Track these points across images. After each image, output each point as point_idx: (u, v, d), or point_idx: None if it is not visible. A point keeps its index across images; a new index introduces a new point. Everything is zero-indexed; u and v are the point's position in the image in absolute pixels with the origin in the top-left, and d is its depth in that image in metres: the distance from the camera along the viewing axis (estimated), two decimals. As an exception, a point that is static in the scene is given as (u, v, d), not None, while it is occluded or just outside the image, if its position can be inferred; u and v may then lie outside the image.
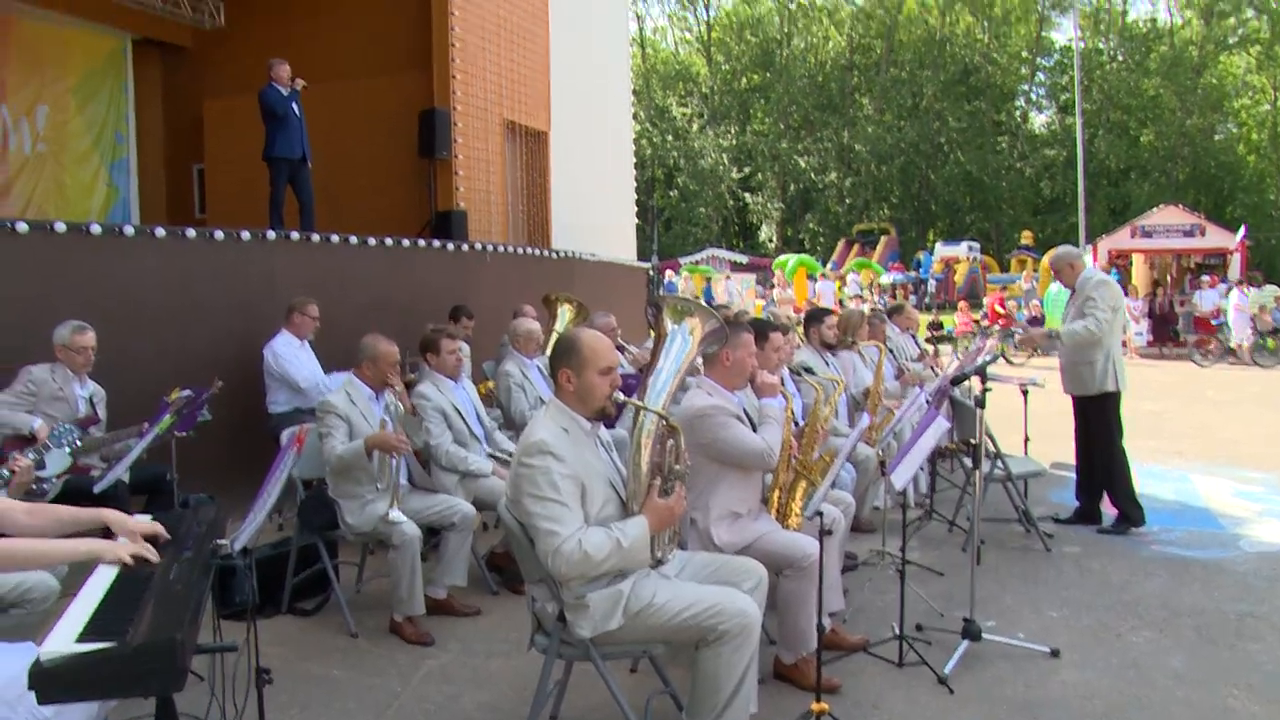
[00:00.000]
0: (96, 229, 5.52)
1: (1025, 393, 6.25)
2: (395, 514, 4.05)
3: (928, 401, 4.58)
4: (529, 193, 10.98)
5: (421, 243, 8.37)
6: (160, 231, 5.90)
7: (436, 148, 9.28)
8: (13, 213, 10.17)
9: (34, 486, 4.01)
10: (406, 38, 9.88)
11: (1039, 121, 45.64)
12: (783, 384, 3.87)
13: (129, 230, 5.74)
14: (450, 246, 8.69)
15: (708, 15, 48.92)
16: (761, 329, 4.04)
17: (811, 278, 28.20)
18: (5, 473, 3.32)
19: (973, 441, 3.99)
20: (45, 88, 10.52)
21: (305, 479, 4.59)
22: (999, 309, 19.06)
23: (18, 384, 4.53)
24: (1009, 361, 15.59)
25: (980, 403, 3.86)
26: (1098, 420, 5.58)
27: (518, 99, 10.50)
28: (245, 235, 6.49)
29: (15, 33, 10.21)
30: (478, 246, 9.06)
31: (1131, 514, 5.62)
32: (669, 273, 30.35)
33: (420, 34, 9.67)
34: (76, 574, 2.41)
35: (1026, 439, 6.48)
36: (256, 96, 7.80)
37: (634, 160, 14.40)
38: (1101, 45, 42.93)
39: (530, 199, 11.00)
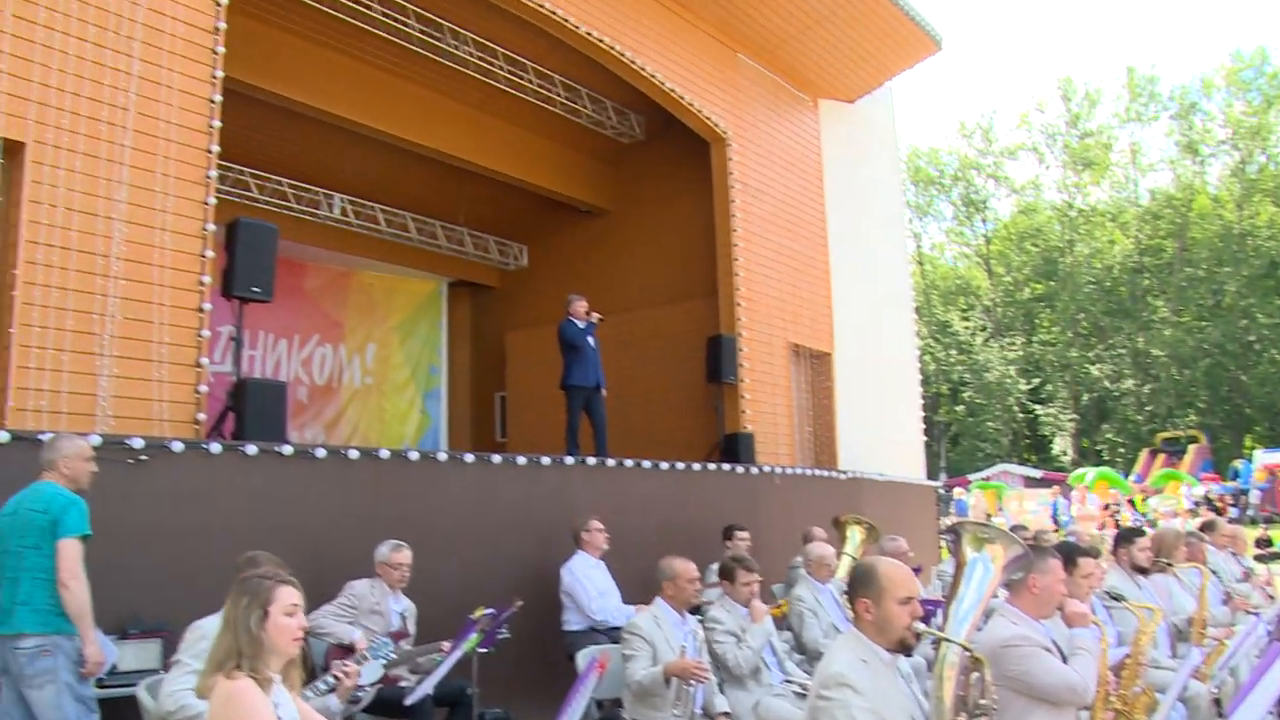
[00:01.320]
0: (414, 455, 6.12)
1: None
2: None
3: (1268, 632, 3.89)
4: (815, 413, 10.94)
5: (711, 466, 8.48)
6: (469, 457, 6.42)
7: (724, 373, 9.49)
8: (342, 439, 11.73)
9: (352, 694, 4.31)
10: (694, 269, 10.54)
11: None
12: (1093, 612, 3.59)
13: (441, 456, 6.30)
14: (739, 469, 8.73)
15: (985, 229, 48.60)
16: (1070, 553, 3.84)
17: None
18: (333, 679, 3.62)
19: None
20: (375, 328, 12.36)
21: (600, 699, 4.58)
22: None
23: (342, 597, 4.92)
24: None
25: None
26: None
27: (801, 322, 10.69)
28: (544, 460, 6.88)
29: (354, 283, 12.28)
30: (766, 469, 9.05)
31: None
32: (959, 490, 28.74)
33: (706, 265, 10.26)
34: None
35: None
36: (556, 329, 8.46)
37: (919, 377, 14.09)
38: None
39: (816, 420, 10.94)
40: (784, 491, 9.12)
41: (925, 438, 14.02)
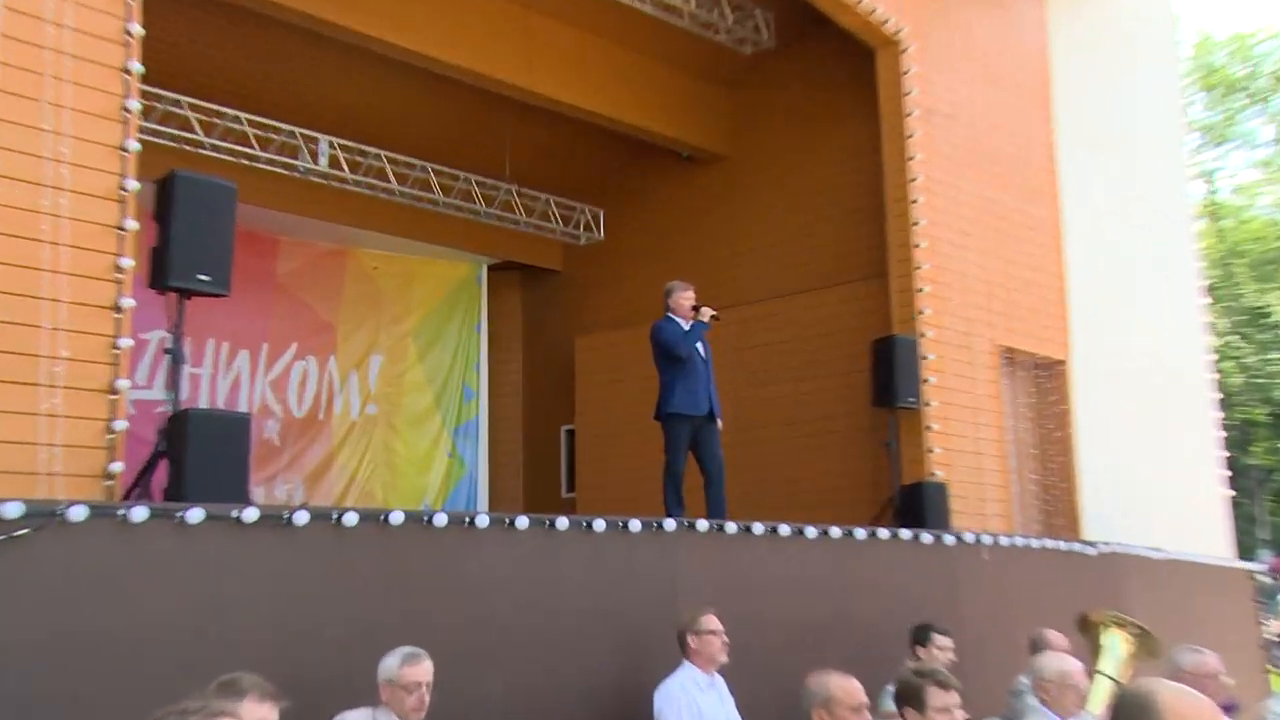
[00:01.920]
0: (441, 519, 6.01)
1: None
2: None
3: None
4: (1042, 452, 10.80)
5: (882, 533, 8.32)
6: (521, 522, 6.31)
7: (899, 392, 9.40)
8: (334, 497, 11.84)
9: None
10: (852, 239, 10.54)
11: None
12: None
13: (481, 521, 6.18)
14: (925, 538, 8.56)
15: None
16: None
17: None
18: None
19: None
20: (381, 331, 12.58)
21: None
22: None
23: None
24: None
25: None
26: None
27: (1018, 315, 10.59)
28: (634, 525, 6.76)
29: (351, 267, 12.49)
30: (967, 538, 8.84)
31: None
32: (1293, 576, 27.71)
33: (870, 233, 10.24)
34: None
35: None
36: (648, 332, 8.44)
37: (1215, 395, 13.59)
38: None
39: (1045, 462, 10.80)
40: (996, 573, 8.90)
41: (1229, 491, 13.51)
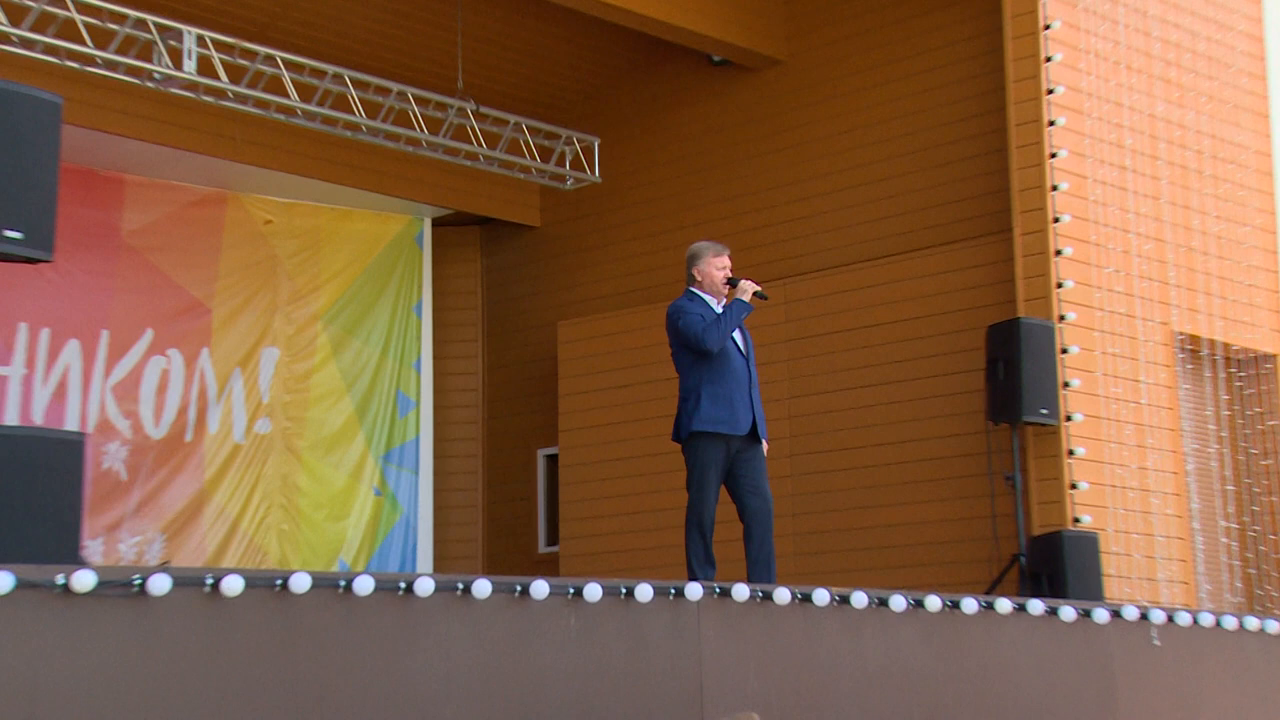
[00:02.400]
0: (364, 586, 5.96)
1: None
2: None
3: None
4: (1243, 488, 10.80)
5: (1002, 605, 8.24)
6: (482, 588, 6.20)
7: (1026, 402, 9.42)
8: (208, 548, 11.84)
9: None
10: (957, 181, 10.57)
11: None
12: None
13: (424, 587, 6.15)
14: (1064, 612, 8.50)
15: None
16: None
17: None
18: None
19: None
20: (277, 315, 12.56)
21: None
22: None
23: None
24: None
25: None
26: None
27: (1204, 289, 10.56)
28: (644, 593, 6.70)
29: (231, 222, 12.43)
30: (1127, 613, 8.75)
31: None
32: None
33: (983, 173, 10.27)
34: None
35: None
36: (664, 315, 8.39)
37: None
38: None
39: (1246, 503, 10.79)
40: (1173, 664, 8.87)
41: None
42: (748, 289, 8.27)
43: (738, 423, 8.18)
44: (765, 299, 8.40)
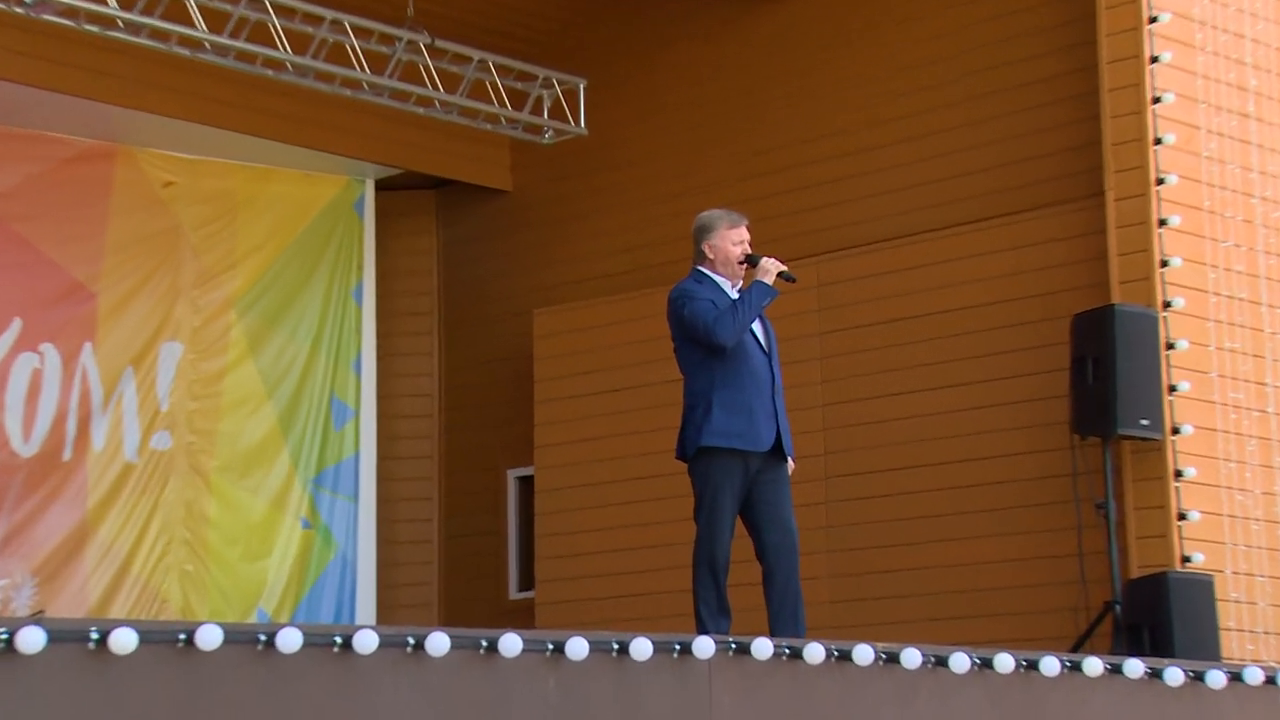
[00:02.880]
0: (290, 641, 5.91)
1: None
2: None
3: None
4: None
5: (1091, 664, 8.23)
6: (438, 643, 6.22)
7: (1119, 413, 9.42)
8: (92, 593, 11.88)
9: None
10: (1032, 137, 10.63)
11: None
12: None
13: (366, 642, 6.13)
14: (1170, 674, 8.47)
15: None
16: None
17: None
18: None
19: None
20: (181, 300, 12.54)
21: None
22: None
23: None
24: None
25: None
26: None
27: None
28: (641, 650, 6.69)
29: (122, 183, 12.43)
30: (1250, 675, 8.74)
31: None
32: None
33: (1067, 126, 10.35)
34: None
35: None
36: (665, 301, 8.40)
37: None
38: None
39: None
40: None
41: None
42: (770, 269, 8.25)
43: (758, 437, 8.17)
44: (793, 281, 8.42)
